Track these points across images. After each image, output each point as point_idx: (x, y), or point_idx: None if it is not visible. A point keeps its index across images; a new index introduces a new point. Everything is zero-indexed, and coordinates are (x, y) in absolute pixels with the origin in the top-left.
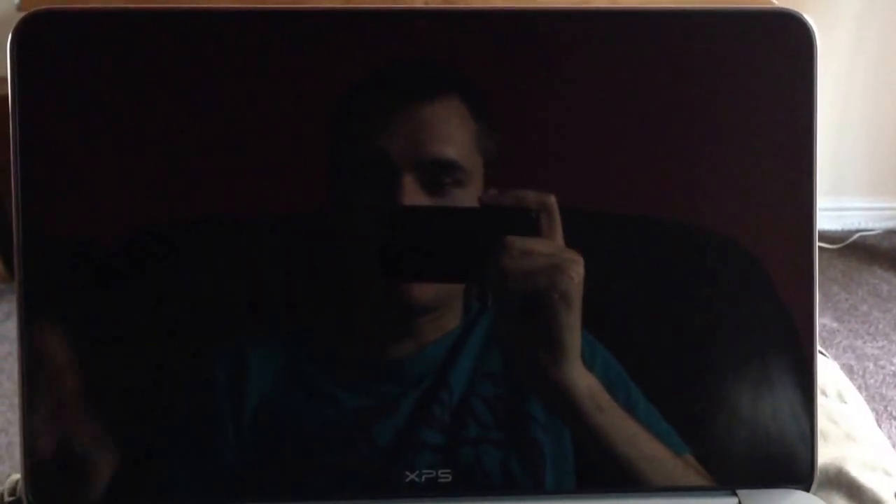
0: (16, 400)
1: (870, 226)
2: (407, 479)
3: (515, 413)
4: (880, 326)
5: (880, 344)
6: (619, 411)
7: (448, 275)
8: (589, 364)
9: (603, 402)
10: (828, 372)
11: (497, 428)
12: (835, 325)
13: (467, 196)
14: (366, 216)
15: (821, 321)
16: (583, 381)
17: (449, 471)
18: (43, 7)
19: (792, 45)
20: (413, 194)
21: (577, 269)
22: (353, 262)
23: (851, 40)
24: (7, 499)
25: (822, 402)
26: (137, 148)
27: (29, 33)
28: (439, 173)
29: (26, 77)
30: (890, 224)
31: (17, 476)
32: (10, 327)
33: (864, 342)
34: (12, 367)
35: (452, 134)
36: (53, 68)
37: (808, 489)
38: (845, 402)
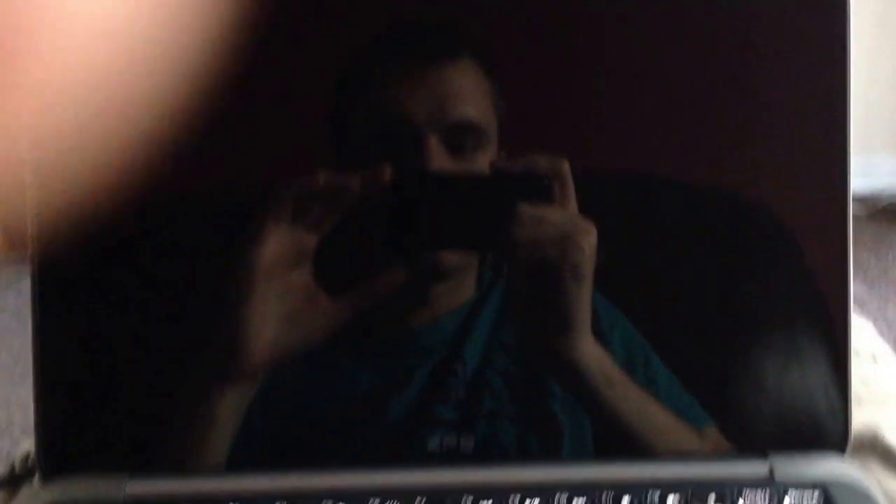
0: (15, 374)
1: None
2: (428, 449)
3: (532, 386)
4: None
5: None
6: (631, 386)
7: (461, 243)
8: (607, 334)
9: (614, 377)
10: (862, 333)
11: (513, 402)
12: (865, 291)
13: (485, 160)
14: (377, 182)
15: None
16: (592, 355)
17: (470, 439)
18: None
19: None
20: (436, 157)
21: (588, 240)
22: (363, 230)
23: None
24: (19, 467)
25: (855, 364)
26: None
27: None
28: (461, 135)
29: None
30: None
31: (27, 447)
32: (10, 299)
33: None
34: (11, 340)
35: (471, 94)
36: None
37: (842, 453)
38: (879, 364)
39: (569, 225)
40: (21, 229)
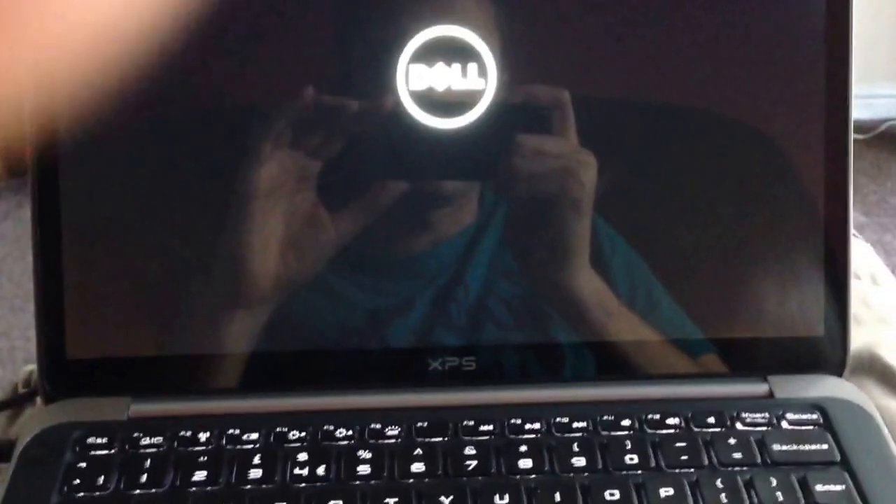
0: (16, 302)
1: None
2: (429, 371)
3: (533, 312)
4: None
5: None
6: (630, 316)
7: (461, 172)
8: (609, 262)
9: (612, 307)
10: (861, 255)
11: (515, 327)
12: (863, 218)
13: (487, 86)
14: (376, 105)
15: None
16: (590, 285)
17: (472, 362)
18: None
19: None
20: (437, 81)
21: (588, 173)
22: (364, 155)
23: None
24: (21, 389)
25: (854, 286)
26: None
27: None
28: (463, 57)
29: None
30: None
31: (31, 367)
32: (7, 227)
33: (894, 237)
34: (11, 267)
35: (477, 13)
36: None
37: (840, 374)
38: (878, 285)
39: (569, 157)
40: (20, 154)
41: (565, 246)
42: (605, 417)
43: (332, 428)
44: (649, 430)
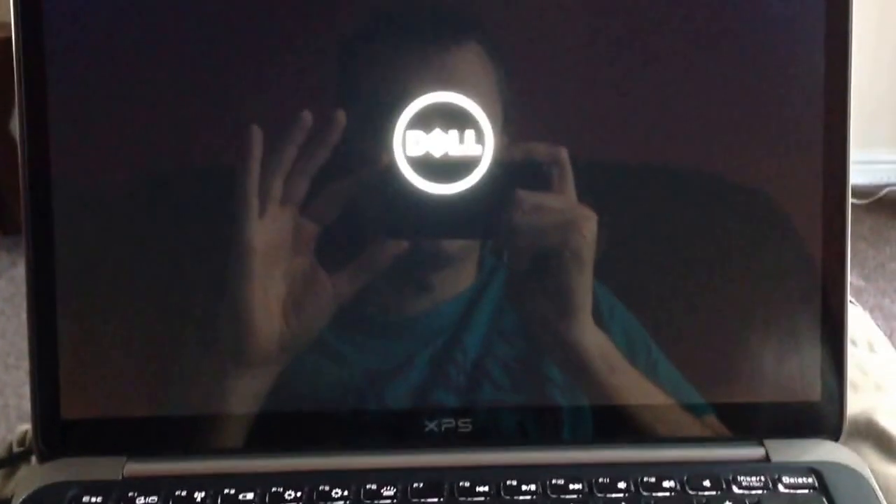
0: (9, 360)
1: None
2: (426, 431)
3: (531, 374)
4: None
5: None
6: (632, 372)
7: (461, 230)
8: (607, 322)
9: (615, 363)
10: (858, 321)
11: (513, 389)
12: (861, 283)
13: (487, 146)
14: (377, 167)
15: None
16: (594, 340)
17: (469, 424)
18: None
19: None
20: (438, 143)
21: (589, 227)
22: (362, 218)
23: None
24: (16, 448)
25: (851, 352)
26: (146, 89)
27: None
28: (464, 120)
29: (30, 19)
30: None
31: (25, 426)
32: (1, 286)
33: (893, 301)
34: (4, 326)
35: (476, 79)
36: (59, 8)
37: (836, 439)
38: (875, 352)
39: (568, 211)
40: (14, 212)
41: (569, 299)
42: (601, 480)
43: (327, 488)
44: (645, 493)
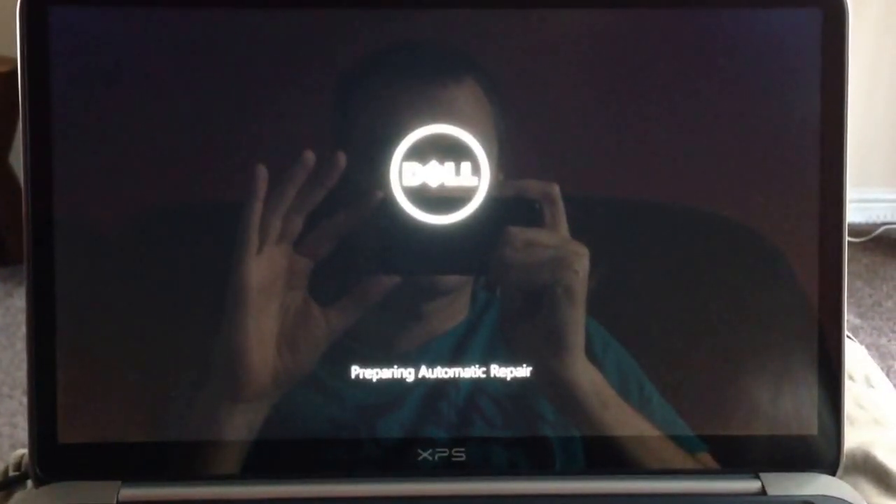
0: (3, 389)
1: None
2: (418, 464)
3: (523, 411)
4: None
5: None
6: (626, 408)
7: (454, 266)
8: (600, 358)
9: (609, 399)
10: (856, 357)
11: (505, 426)
12: (858, 321)
13: (481, 182)
14: (371, 203)
15: None
16: (586, 376)
17: (461, 460)
18: None
19: (823, 27)
20: (431, 179)
21: (581, 263)
22: (357, 250)
23: (877, 26)
24: (12, 473)
25: (849, 387)
26: (147, 126)
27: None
28: (458, 156)
29: (36, 55)
30: None
31: (21, 451)
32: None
33: (889, 340)
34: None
35: (472, 116)
36: (65, 45)
37: (833, 473)
38: (873, 387)
39: (561, 247)
40: (10, 244)
41: (562, 335)
42: None
43: None
44: None
